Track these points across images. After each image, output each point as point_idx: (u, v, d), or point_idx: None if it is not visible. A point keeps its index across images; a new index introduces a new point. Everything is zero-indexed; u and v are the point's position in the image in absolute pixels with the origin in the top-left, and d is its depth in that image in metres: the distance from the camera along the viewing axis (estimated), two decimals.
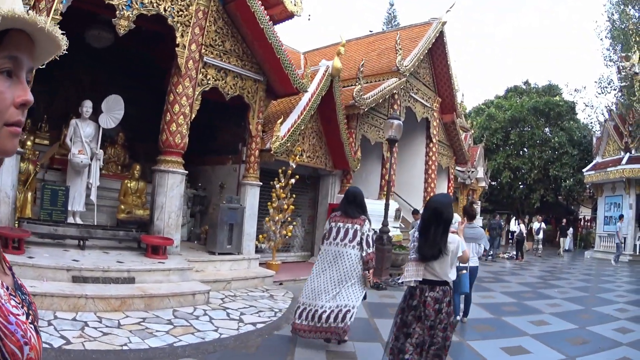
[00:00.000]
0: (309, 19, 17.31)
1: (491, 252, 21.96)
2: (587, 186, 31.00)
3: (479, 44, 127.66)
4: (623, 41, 26.87)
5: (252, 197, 11.70)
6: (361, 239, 6.32)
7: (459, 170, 26.51)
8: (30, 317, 1.07)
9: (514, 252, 24.25)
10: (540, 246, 25.85)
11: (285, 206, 12.26)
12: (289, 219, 12.48)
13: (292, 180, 12.14)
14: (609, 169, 25.98)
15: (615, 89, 26.46)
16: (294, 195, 12.49)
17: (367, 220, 6.45)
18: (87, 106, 10.21)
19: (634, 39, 23.78)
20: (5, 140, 1.00)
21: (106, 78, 12.71)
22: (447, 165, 22.39)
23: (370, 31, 20.74)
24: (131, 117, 11.10)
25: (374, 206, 13.47)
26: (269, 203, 12.06)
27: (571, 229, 31.67)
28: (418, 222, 7.68)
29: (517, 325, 8.53)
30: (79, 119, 10.19)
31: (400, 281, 5.08)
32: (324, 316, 6.24)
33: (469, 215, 8.56)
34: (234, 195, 11.73)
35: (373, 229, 6.80)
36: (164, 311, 7.22)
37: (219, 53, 10.43)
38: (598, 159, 28.37)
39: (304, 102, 12.58)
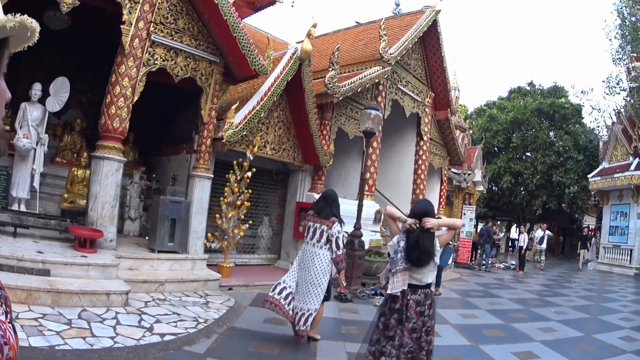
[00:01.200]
0: (292, 6, 15.97)
1: (483, 262, 20.56)
2: (592, 193, 29.39)
3: (483, 44, 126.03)
4: (633, 37, 25.34)
5: (200, 191, 10.79)
6: (329, 240, 6.58)
7: (454, 172, 24.95)
8: (8, 316, 1.16)
9: (512, 262, 22.89)
10: (543, 257, 23.83)
11: (239, 202, 11.01)
12: (242, 216, 11.16)
13: (248, 174, 10.97)
14: (616, 175, 24.43)
15: (624, 90, 24.92)
16: (249, 191, 11.21)
17: (337, 222, 6.68)
18: (36, 89, 9.82)
19: None
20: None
21: (73, 63, 12.26)
22: (440, 166, 20.77)
23: (357, 22, 19.17)
24: (94, 104, 11.03)
25: (350, 207, 12.23)
26: (222, 198, 10.94)
27: (594, 240, 29.55)
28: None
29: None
30: (28, 102, 9.78)
31: (388, 292, 4.86)
32: (295, 310, 6.66)
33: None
34: (177, 187, 10.93)
35: (346, 232, 7.21)
36: (71, 309, 6.59)
37: (170, 31, 9.78)
38: (604, 165, 26.81)
39: (266, 87, 11.36)
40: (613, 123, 26.21)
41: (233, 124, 10.53)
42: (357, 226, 11.72)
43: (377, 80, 14.64)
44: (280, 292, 6.79)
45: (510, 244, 38.01)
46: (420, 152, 18.47)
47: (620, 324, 10.29)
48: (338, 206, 6.95)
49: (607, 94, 28.49)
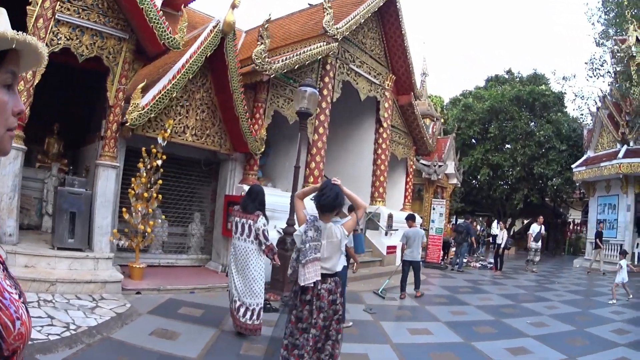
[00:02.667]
0: None
1: (457, 261, 19.10)
2: (577, 185, 28.08)
3: (461, 34, 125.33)
4: (618, 16, 24.19)
5: (105, 181, 9.74)
6: (257, 234, 6.95)
7: (423, 164, 23.76)
8: (22, 297, 1.29)
9: (491, 260, 21.26)
10: (537, 258, 20.50)
11: (146, 194, 9.97)
12: (150, 210, 10.11)
13: (159, 162, 10.04)
14: (602, 164, 23.04)
15: (609, 72, 23.76)
16: (159, 182, 10.16)
17: (261, 216, 7.04)
18: None
19: (629, 12, 21.15)
20: (6, 143, 1.28)
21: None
22: (405, 156, 19.35)
23: (309, 4, 17.86)
24: None
25: (287, 200, 11.22)
26: (130, 190, 9.97)
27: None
28: (411, 230, 11.86)
29: None
30: None
31: (302, 284, 4.71)
32: (242, 311, 6.95)
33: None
34: (77, 178, 10.06)
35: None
36: None
37: (77, 9, 9.07)
38: (589, 153, 25.52)
39: (180, 63, 10.24)
40: (598, 109, 24.85)
41: (139, 106, 9.49)
42: (290, 222, 10.43)
43: (320, 58, 13.34)
44: (232, 302, 7.12)
45: (492, 241, 36.68)
46: (380, 140, 17.13)
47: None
48: (262, 201, 7.33)
49: (591, 77, 27.19)
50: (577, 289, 15.35)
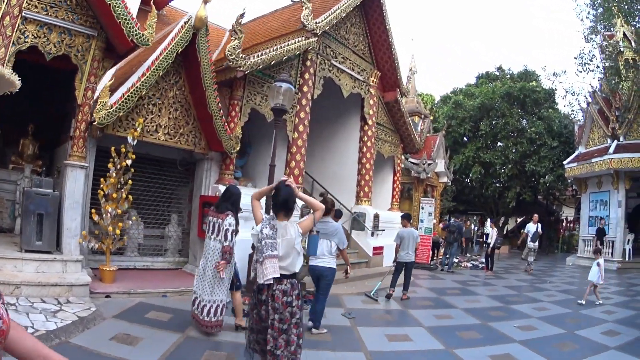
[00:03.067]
0: None
1: (447, 261, 18.73)
2: (569, 181, 27.76)
3: (451, 33, 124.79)
4: (606, 10, 23.89)
5: (73, 182, 9.45)
6: (220, 231, 7.13)
7: (412, 162, 23.41)
8: (1, 299, 1.53)
9: (483, 260, 20.69)
10: (532, 258, 19.41)
11: (115, 195, 9.67)
12: (119, 211, 9.79)
13: (128, 162, 9.69)
14: (593, 160, 22.87)
15: (598, 67, 23.47)
16: (130, 182, 9.91)
17: (230, 215, 7.23)
18: None
19: (616, 6, 20.83)
20: None
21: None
22: (392, 154, 19.00)
23: (292, 0, 17.52)
24: None
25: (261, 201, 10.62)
26: (99, 191, 9.62)
27: None
28: (406, 230, 11.80)
29: None
30: None
31: (261, 282, 4.66)
32: (205, 310, 7.12)
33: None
34: (45, 178, 9.89)
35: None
36: None
37: (45, 6, 8.83)
38: (581, 149, 25.32)
39: (150, 60, 9.91)
40: (588, 104, 24.62)
41: (106, 104, 9.18)
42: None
43: (300, 54, 13.12)
44: (193, 303, 7.32)
45: (485, 240, 36.33)
46: (365, 139, 16.79)
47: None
48: (235, 202, 7.57)
49: (581, 72, 26.85)
50: (568, 288, 15.04)
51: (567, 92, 33.69)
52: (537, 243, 19.55)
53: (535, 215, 20.26)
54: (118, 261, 10.65)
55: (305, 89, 13.56)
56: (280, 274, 4.59)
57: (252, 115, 12.41)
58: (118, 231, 9.68)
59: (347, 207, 16.47)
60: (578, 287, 15.35)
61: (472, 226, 27.30)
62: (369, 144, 16.77)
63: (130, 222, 10.48)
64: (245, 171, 14.66)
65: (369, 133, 16.77)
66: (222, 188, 11.07)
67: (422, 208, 20.95)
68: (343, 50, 15.30)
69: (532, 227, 19.33)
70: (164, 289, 9.58)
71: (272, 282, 4.57)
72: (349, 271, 8.70)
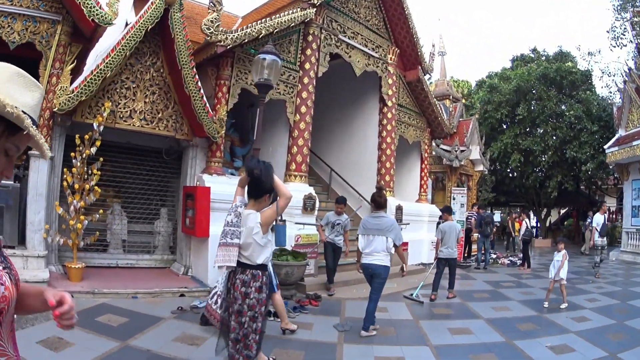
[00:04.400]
0: None
1: (482, 258, 16.69)
2: (611, 169, 25.38)
3: (487, 17, 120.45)
4: None
5: (36, 173, 8.66)
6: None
7: (443, 149, 21.46)
8: (6, 269, 1.54)
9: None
10: (600, 258, 15.67)
11: (77, 186, 8.85)
12: (83, 204, 8.89)
13: (92, 150, 8.91)
14: (634, 143, 20.26)
15: (631, 41, 21.31)
16: (97, 172, 9.04)
17: None
18: None
19: None
20: None
21: None
22: (418, 140, 17.08)
23: None
24: None
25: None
26: (64, 182, 8.95)
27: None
28: (447, 224, 11.05)
29: None
30: None
31: (213, 265, 5.02)
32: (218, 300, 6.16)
33: (375, 202, 7.79)
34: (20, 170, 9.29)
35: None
36: None
37: None
38: (621, 132, 22.73)
39: (116, 41, 9.05)
40: (625, 83, 22.30)
41: (67, 89, 8.48)
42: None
43: (298, 28, 11.75)
44: (212, 297, 6.29)
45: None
46: (385, 122, 15.04)
47: None
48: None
49: (614, 47, 24.74)
50: (612, 290, 12.57)
51: (603, 72, 31.23)
52: (605, 239, 15.84)
53: (605, 204, 17.71)
54: (99, 258, 10.19)
55: (307, 66, 12.07)
56: (244, 263, 4.48)
57: (257, 99, 10.96)
58: (80, 225, 8.78)
59: (367, 198, 14.83)
60: (623, 286, 13.17)
61: (527, 221, 24.00)
62: (389, 127, 15.03)
63: (97, 216, 9.28)
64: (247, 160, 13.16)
65: (389, 115, 15.03)
66: (207, 177, 10.04)
67: (454, 199, 19.07)
68: (353, 24, 13.62)
69: (599, 219, 15.66)
70: (134, 290, 8.63)
71: (237, 270, 4.49)
72: (404, 269, 8.14)
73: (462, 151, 21.71)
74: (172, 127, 10.15)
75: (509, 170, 32.93)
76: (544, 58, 34.08)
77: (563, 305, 9.88)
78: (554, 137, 28.72)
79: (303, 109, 11.84)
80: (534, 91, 29.62)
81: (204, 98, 9.88)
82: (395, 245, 7.56)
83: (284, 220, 5.46)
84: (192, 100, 9.65)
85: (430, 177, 22.30)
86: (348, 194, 15.43)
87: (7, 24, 8.46)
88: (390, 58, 14.89)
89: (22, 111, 1.49)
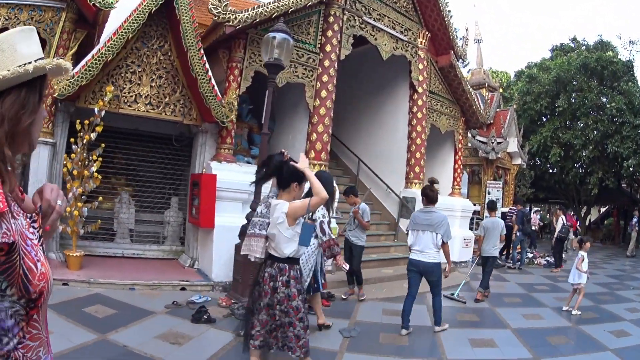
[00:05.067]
0: None
1: (518, 257, 15.52)
2: None
3: (524, 4, 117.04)
4: None
5: (36, 160, 8.53)
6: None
7: (479, 141, 20.36)
8: (41, 240, 1.53)
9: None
10: None
11: (76, 172, 8.49)
12: (81, 191, 8.46)
13: (93, 135, 8.52)
14: None
15: None
16: (99, 159, 8.63)
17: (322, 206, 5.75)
18: None
19: None
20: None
21: None
22: (452, 129, 15.96)
23: None
24: None
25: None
26: (64, 168, 8.63)
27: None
28: (490, 220, 10.67)
29: None
30: None
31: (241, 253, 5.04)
32: None
33: (427, 197, 7.41)
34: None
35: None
36: None
37: None
38: None
39: (119, 24, 8.63)
40: None
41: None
42: (254, 205, 7.88)
43: (321, 9, 11.13)
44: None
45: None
46: (415, 109, 14.12)
47: None
48: (330, 191, 6.07)
49: None
50: None
51: None
52: None
53: None
54: (105, 248, 9.90)
55: (328, 48, 11.28)
56: (273, 255, 4.46)
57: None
58: (77, 212, 8.41)
59: (395, 190, 14.00)
60: None
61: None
62: (419, 115, 14.10)
63: (96, 203, 8.85)
64: (269, 149, 12.43)
65: (419, 102, 14.10)
66: (214, 165, 9.40)
67: (489, 193, 18.03)
68: (379, 6, 12.75)
69: None
70: (132, 281, 8.19)
71: (268, 262, 4.50)
72: (448, 269, 7.69)
73: (498, 143, 20.59)
74: (179, 112, 9.59)
75: (548, 165, 31.45)
76: (584, 47, 32.58)
77: (574, 312, 8.96)
78: (595, 131, 27.31)
79: (323, 93, 11.07)
80: (574, 82, 28.23)
81: (212, 81, 9.27)
82: (443, 242, 7.25)
83: (314, 220, 4.93)
84: (199, 83, 9.07)
85: (466, 170, 21.45)
86: (376, 185, 14.70)
87: (14, 15, 8.47)
88: (421, 42, 13.96)
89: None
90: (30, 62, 1.43)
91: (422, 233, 7.16)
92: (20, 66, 1.41)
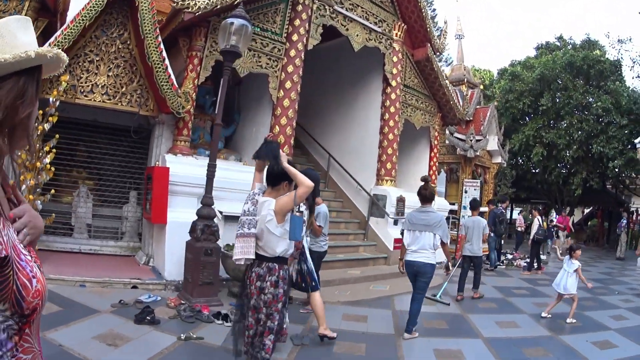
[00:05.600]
0: None
1: (494, 259, 15.01)
2: None
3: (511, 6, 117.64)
4: None
5: None
6: None
7: (457, 138, 20.10)
8: (33, 257, 1.42)
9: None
10: None
11: (29, 165, 8.17)
12: (33, 182, 8.13)
13: (47, 126, 8.25)
14: None
15: None
16: (52, 151, 8.38)
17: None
18: None
19: None
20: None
21: None
22: (427, 125, 15.73)
23: None
24: None
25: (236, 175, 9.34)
26: (20, 160, 8.17)
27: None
28: (471, 219, 10.69)
29: None
30: None
31: (233, 259, 4.46)
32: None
33: (422, 196, 7.39)
34: None
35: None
36: None
37: None
38: None
39: (77, 13, 8.46)
40: None
41: None
42: (206, 200, 7.57)
43: None
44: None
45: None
46: (388, 103, 13.85)
47: None
48: (316, 191, 6.17)
49: None
50: None
51: (634, 62, 29.23)
52: None
53: None
54: (62, 243, 9.68)
55: (295, 37, 11.02)
56: (261, 255, 4.36)
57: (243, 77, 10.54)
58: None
59: (366, 188, 13.73)
60: None
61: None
62: (392, 109, 13.82)
63: (48, 196, 8.59)
64: (233, 142, 12.15)
65: (393, 96, 13.83)
66: (169, 158, 9.13)
67: (465, 192, 17.72)
68: None
69: None
70: (82, 278, 7.94)
71: (254, 262, 4.39)
72: (450, 267, 8.39)
73: (477, 140, 20.32)
74: (136, 102, 9.32)
75: (531, 165, 31.16)
76: (570, 47, 32.24)
77: (569, 320, 8.50)
78: (580, 131, 27.09)
79: (288, 84, 10.79)
80: (559, 81, 28.02)
81: (169, 69, 8.99)
82: (442, 243, 7.29)
83: (302, 212, 4.64)
84: (155, 71, 8.76)
85: (443, 168, 21.18)
86: (346, 182, 14.47)
87: None
88: (396, 34, 13.71)
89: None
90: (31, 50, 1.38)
91: (420, 233, 7.09)
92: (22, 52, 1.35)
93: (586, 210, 38.27)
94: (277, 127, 10.66)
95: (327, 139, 15.78)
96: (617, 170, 26.72)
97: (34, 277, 1.35)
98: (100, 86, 8.99)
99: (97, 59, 9.00)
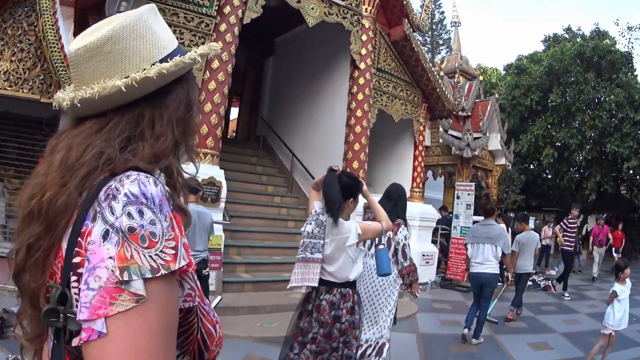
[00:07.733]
0: None
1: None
2: None
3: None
4: None
5: None
6: (395, 249, 5.54)
7: (452, 136, 18.26)
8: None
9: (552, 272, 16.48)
10: None
11: None
12: None
13: None
14: None
15: None
16: None
17: (402, 226, 5.57)
18: None
19: None
20: None
21: None
22: (408, 117, 13.96)
23: None
24: None
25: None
26: None
27: None
28: (525, 235, 10.75)
29: None
30: None
31: (289, 285, 4.28)
32: (368, 352, 5.41)
33: (484, 210, 8.29)
34: None
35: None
36: None
37: None
38: None
39: None
40: None
41: None
42: None
43: None
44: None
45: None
46: (355, 89, 12.14)
47: None
48: (404, 205, 5.85)
49: None
50: None
51: None
52: None
53: None
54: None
55: (227, 9, 9.75)
56: (330, 281, 4.20)
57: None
58: None
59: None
60: None
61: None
62: (360, 97, 12.10)
63: None
64: None
65: (361, 81, 12.10)
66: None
67: (458, 197, 15.97)
68: None
69: None
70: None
71: (321, 289, 4.17)
72: (510, 278, 8.80)
73: (475, 138, 18.48)
74: (38, 89, 8.71)
75: (541, 168, 30.12)
76: (579, 38, 31.02)
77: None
78: (593, 129, 25.68)
79: (215, 64, 9.48)
80: (568, 74, 26.67)
81: (64, 49, 8.07)
82: (503, 254, 8.01)
83: (384, 244, 4.78)
84: (49, 52, 7.99)
85: (438, 170, 19.56)
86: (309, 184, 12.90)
87: None
88: (366, 9, 12.07)
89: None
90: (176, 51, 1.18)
91: (482, 245, 7.90)
92: (180, 56, 1.15)
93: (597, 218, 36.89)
94: (200, 115, 9.04)
95: (291, 137, 14.53)
96: (631, 172, 25.88)
97: (217, 322, 1.21)
98: (4, 72, 8.55)
99: (2, 43, 8.65)
